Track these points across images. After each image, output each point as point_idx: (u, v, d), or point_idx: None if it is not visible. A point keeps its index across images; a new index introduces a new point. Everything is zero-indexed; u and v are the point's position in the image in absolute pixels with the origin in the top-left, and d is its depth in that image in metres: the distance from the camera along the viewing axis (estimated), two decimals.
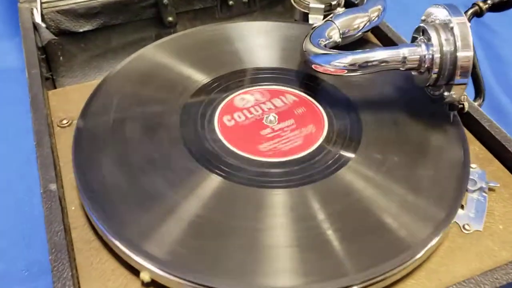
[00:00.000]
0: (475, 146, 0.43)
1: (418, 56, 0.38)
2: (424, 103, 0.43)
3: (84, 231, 0.36)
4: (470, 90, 0.47)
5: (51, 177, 0.38)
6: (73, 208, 0.38)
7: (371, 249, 0.33)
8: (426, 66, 0.38)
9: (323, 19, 0.55)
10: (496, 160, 0.42)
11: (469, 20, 0.47)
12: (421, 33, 0.39)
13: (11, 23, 0.71)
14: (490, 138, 0.43)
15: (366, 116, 0.42)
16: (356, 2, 0.51)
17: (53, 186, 0.38)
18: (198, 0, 0.63)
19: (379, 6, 0.49)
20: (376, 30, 0.54)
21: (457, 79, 0.37)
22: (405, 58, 0.39)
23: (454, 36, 0.37)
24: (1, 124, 0.62)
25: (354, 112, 0.42)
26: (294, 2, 0.57)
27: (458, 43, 0.36)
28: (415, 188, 0.37)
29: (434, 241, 0.34)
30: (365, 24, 0.47)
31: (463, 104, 0.40)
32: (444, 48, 0.37)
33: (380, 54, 0.39)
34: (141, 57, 0.48)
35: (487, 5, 0.46)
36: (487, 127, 0.43)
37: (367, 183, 0.37)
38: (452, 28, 0.37)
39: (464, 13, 0.46)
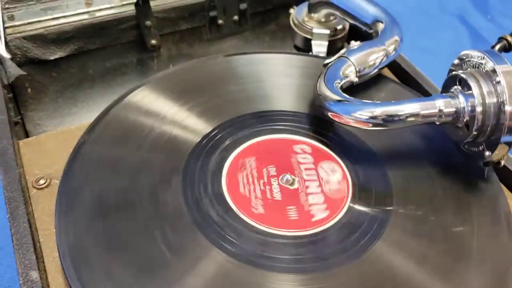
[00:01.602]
0: (510, 201, 0.39)
1: (455, 109, 0.34)
2: (452, 154, 0.38)
3: None
4: None
5: (31, 262, 0.32)
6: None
7: None
8: (464, 120, 0.34)
9: (328, 45, 0.50)
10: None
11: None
12: (456, 82, 0.35)
13: None
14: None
15: (394, 168, 0.37)
16: (369, 31, 0.46)
17: (34, 274, 0.31)
18: (184, 20, 0.57)
19: (396, 37, 0.44)
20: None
21: (504, 137, 0.32)
22: (441, 111, 0.34)
23: (498, 88, 0.32)
24: None
25: (380, 165, 0.38)
26: (295, 26, 0.51)
27: (505, 96, 0.32)
28: (462, 263, 0.32)
29: None
30: (382, 59, 0.42)
31: (500, 162, 0.35)
32: (487, 100, 0.32)
33: (412, 107, 0.34)
34: (127, 106, 0.41)
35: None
36: None
37: (407, 255, 0.32)
38: (498, 82, 0.32)
39: (492, 47, 0.42)
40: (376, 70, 0.43)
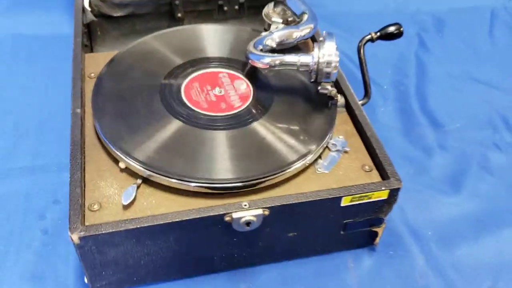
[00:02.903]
0: (348, 126, 0.66)
1: (307, 63, 0.61)
2: (315, 93, 0.66)
3: (93, 138, 0.61)
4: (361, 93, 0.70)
5: (78, 104, 0.63)
6: (88, 124, 0.63)
7: (263, 164, 0.57)
8: (311, 69, 0.61)
9: None
10: (358, 136, 0.65)
11: (365, 43, 0.69)
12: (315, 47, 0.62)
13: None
14: (358, 122, 0.65)
15: (278, 94, 0.66)
16: (297, 19, 0.73)
17: (78, 110, 0.63)
18: (202, 3, 0.87)
19: (311, 25, 0.71)
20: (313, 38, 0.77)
21: (324, 79, 0.60)
22: (299, 63, 0.62)
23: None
24: (57, 75, 0.88)
25: (268, 85, 0.67)
26: (264, 16, 0.80)
27: (325, 58, 0.59)
28: (296, 137, 0.60)
29: (297, 165, 0.57)
30: (297, 37, 0.70)
31: (336, 99, 0.63)
32: (320, 60, 0.60)
33: (286, 58, 0.62)
34: (144, 42, 0.72)
35: (376, 35, 0.69)
36: (358, 116, 0.66)
37: (268, 131, 0.61)
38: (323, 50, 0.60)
39: (362, 38, 0.69)
40: (294, 42, 0.71)
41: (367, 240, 0.65)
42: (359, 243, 0.65)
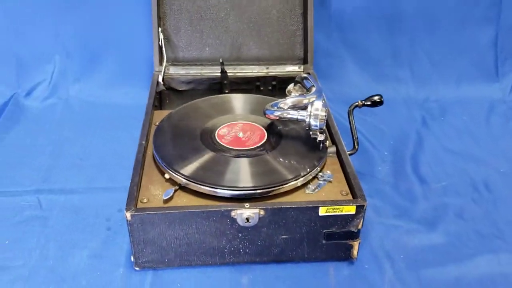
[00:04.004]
0: (336, 166, 0.87)
1: (303, 115, 0.86)
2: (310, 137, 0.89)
3: (150, 161, 0.88)
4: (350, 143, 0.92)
5: (144, 139, 0.91)
6: (148, 152, 0.90)
7: (269, 180, 0.79)
8: (305, 120, 0.85)
9: None
10: (342, 173, 0.86)
11: (353, 109, 0.93)
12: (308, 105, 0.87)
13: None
14: (343, 163, 0.87)
15: (285, 138, 0.90)
16: (307, 91, 0.99)
17: (143, 142, 0.90)
18: (244, 84, 1.16)
19: (315, 95, 0.96)
20: None
21: (313, 127, 0.84)
22: (298, 115, 0.86)
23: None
24: (135, 128, 1.18)
25: (279, 134, 0.91)
26: (287, 92, 1.06)
27: (313, 112, 0.83)
28: (293, 165, 0.83)
29: (291, 183, 0.79)
30: (305, 102, 0.95)
31: (326, 144, 0.86)
32: (311, 114, 0.84)
33: (290, 112, 0.87)
34: (193, 103, 1.01)
35: (362, 103, 0.92)
36: (343, 159, 0.87)
37: (274, 159, 0.84)
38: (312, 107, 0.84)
39: (351, 104, 0.93)
40: (303, 107, 0.95)
41: (346, 254, 0.83)
42: (339, 255, 0.83)
